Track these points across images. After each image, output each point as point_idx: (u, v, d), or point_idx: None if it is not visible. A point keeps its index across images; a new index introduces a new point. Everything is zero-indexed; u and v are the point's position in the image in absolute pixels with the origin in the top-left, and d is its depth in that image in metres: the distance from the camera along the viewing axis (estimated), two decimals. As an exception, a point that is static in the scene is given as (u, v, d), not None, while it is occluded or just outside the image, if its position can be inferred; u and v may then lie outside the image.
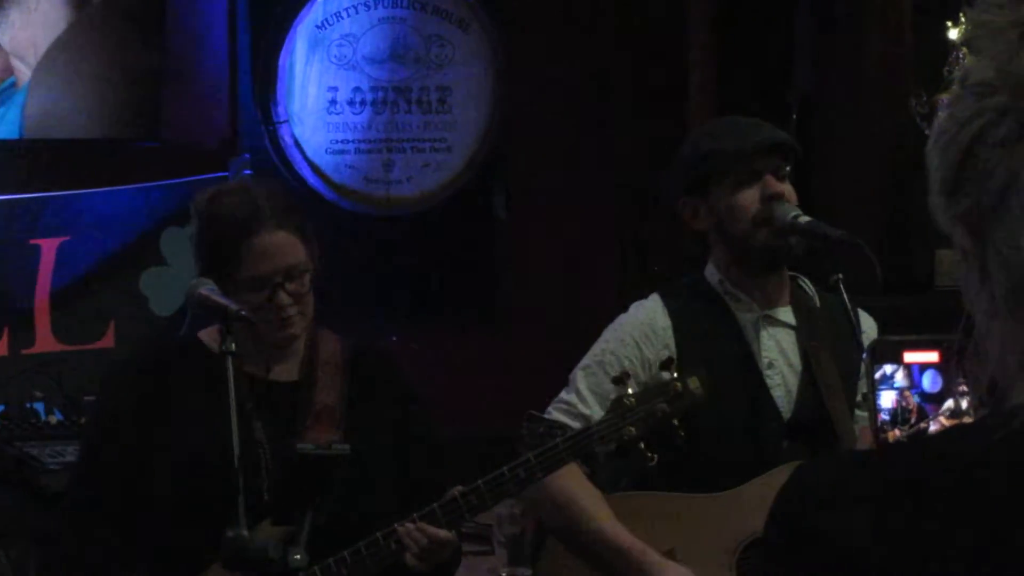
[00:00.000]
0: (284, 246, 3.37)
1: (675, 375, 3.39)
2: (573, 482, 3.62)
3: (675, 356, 3.65)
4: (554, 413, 3.71)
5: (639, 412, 3.36)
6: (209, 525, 3.24)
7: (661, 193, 3.86)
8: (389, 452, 3.46)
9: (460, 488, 3.34)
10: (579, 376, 3.75)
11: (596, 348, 3.76)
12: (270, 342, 3.44)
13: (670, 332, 3.72)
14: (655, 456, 3.39)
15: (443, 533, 3.32)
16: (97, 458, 3.43)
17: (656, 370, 3.63)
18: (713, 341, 3.73)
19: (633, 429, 3.35)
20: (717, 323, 3.75)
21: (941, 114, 1.28)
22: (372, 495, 3.42)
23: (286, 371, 3.49)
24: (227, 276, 3.34)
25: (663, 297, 3.80)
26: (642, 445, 3.35)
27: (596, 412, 3.65)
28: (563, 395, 3.75)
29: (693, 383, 3.38)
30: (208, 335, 3.51)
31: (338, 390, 3.48)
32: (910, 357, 2.41)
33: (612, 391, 3.53)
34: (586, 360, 3.75)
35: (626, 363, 3.69)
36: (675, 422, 3.37)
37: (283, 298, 3.36)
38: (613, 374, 3.59)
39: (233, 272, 3.33)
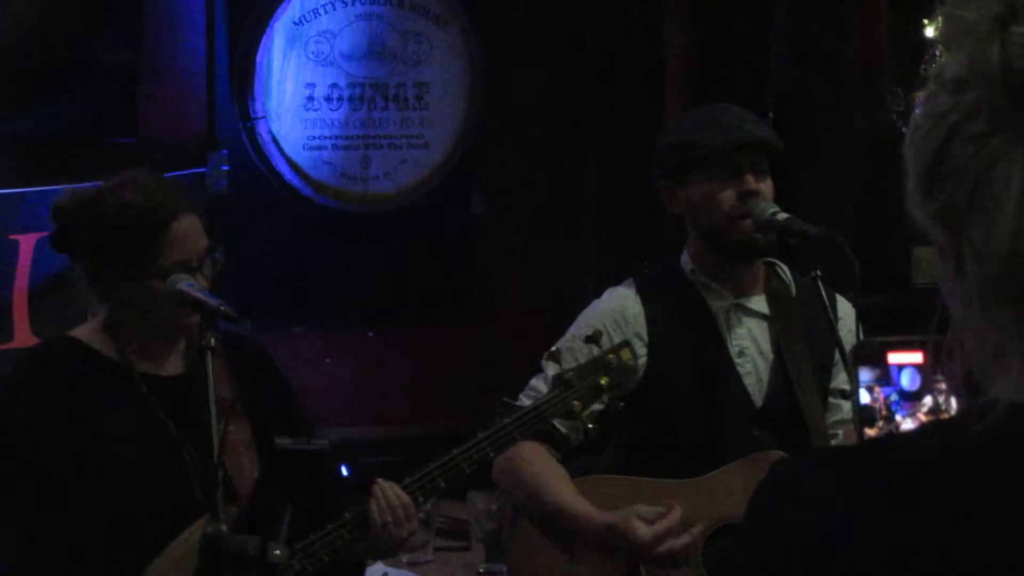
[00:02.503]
0: (197, 230, 3.34)
1: (606, 349, 3.47)
2: (538, 462, 3.66)
3: (647, 342, 3.70)
4: (524, 400, 3.73)
5: (581, 386, 3.43)
6: (141, 529, 3.23)
7: (648, 174, 3.88)
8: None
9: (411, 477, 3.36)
10: (549, 362, 3.77)
11: (568, 334, 3.79)
12: (163, 333, 3.38)
13: (642, 319, 3.75)
14: (597, 426, 3.48)
15: (408, 500, 3.32)
16: (5, 469, 3.29)
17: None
18: (685, 329, 3.76)
19: (577, 403, 3.42)
20: (689, 311, 3.77)
21: (917, 111, 1.29)
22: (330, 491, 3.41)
23: (172, 365, 3.44)
24: (143, 269, 3.28)
25: (636, 284, 3.82)
26: (584, 415, 3.44)
27: None
28: (533, 381, 3.78)
29: (625, 354, 3.48)
30: (85, 333, 3.44)
31: (228, 381, 3.41)
32: (894, 358, 2.42)
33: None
34: (557, 345, 3.77)
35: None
36: (615, 393, 3.46)
37: (202, 282, 3.31)
38: (583, 359, 3.65)
39: (152, 263, 3.27)
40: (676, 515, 3.58)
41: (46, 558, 3.26)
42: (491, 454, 3.40)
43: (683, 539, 3.58)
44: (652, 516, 3.58)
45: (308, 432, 3.45)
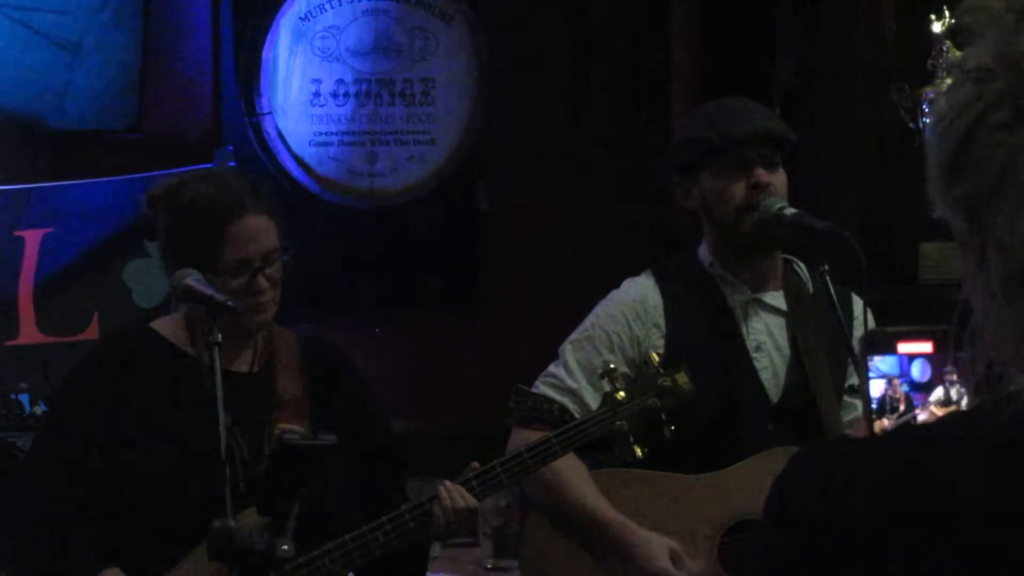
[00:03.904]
0: (262, 230, 3.37)
1: (662, 370, 3.42)
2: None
3: (665, 333, 3.69)
4: (542, 387, 3.73)
5: (630, 407, 3.39)
6: (184, 519, 3.24)
7: (660, 172, 3.87)
8: (351, 449, 3.41)
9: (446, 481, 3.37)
10: (568, 349, 3.77)
11: (586, 322, 3.78)
12: (234, 331, 3.41)
13: (660, 311, 3.74)
14: (645, 449, 3.43)
15: (473, 502, 3.34)
16: (60, 448, 3.36)
17: (645, 348, 3.66)
18: (702, 322, 3.75)
19: (624, 424, 3.39)
20: (707, 304, 3.76)
21: (940, 100, 1.29)
22: (339, 490, 3.42)
23: (244, 362, 3.46)
24: (205, 264, 3.31)
25: (655, 275, 3.81)
26: (631, 439, 3.40)
27: (583, 386, 3.68)
28: (551, 368, 3.77)
29: (681, 378, 3.42)
30: (163, 326, 3.50)
31: (302, 382, 3.46)
32: (904, 348, 2.41)
33: (600, 365, 3.59)
34: (575, 334, 3.77)
35: (615, 339, 3.71)
36: (663, 416, 3.41)
37: (262, 283, 3.35)
38: (602, 348, 3.64)
39: (212, 259, 3.31)
40: (701, 566, 3.58)
41: (85, 542, 3.29)
42: (534, 467, 3.40)
43: None
44: (680, 560, 3.58)
45: (383, 435, 3.56)
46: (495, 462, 3.38)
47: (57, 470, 3.35)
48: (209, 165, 5.73)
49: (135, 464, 3.31)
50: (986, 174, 1.25)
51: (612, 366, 3.52)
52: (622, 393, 3.40)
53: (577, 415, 3.64)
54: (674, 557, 3.58)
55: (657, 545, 3.58)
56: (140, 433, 3.33)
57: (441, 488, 3.34)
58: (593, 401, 3.62)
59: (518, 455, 3.38)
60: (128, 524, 3.32)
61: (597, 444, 3.54)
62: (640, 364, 3.64)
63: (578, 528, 3.67)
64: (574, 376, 3.71)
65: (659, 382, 3.42)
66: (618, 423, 3.40)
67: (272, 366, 3.47)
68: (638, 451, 3.43)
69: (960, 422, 1.34)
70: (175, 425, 3.34)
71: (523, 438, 3.61)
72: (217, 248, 3.31)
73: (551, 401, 3.68)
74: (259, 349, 3.50)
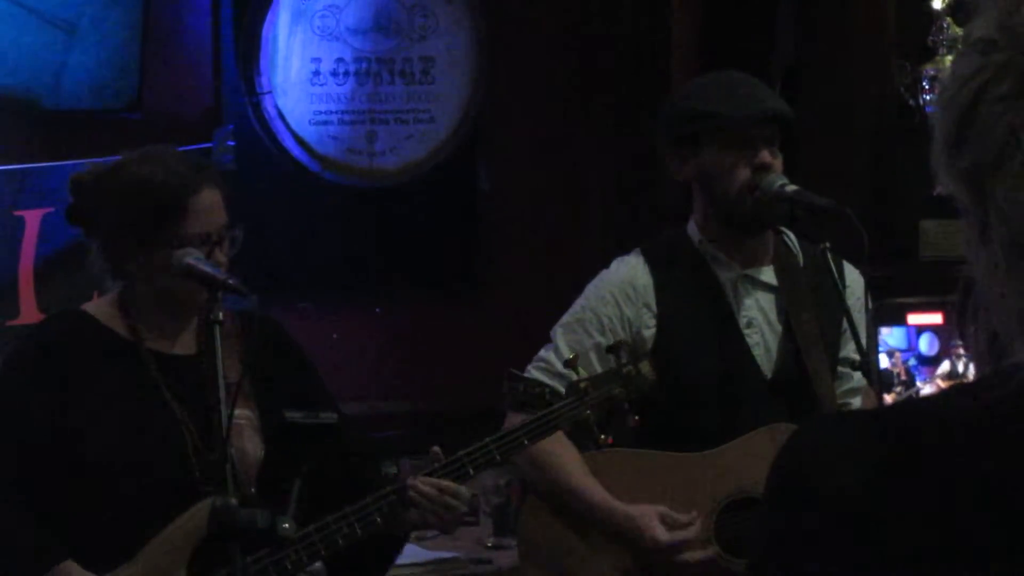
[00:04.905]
0: (216, 204, 3.34)
1: (625, 360, 3.44)
2: (552, 439, 3.65)
3: (656, 313, 3.69)
4: (533, 372, 3.74)
5: (595, 396, 3.41)
6: (136, 506, 3.22)
7: (657, 141, 3.86)
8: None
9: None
10: (559, 333, 3.78)
11: (577, 305, 3.79)
12: (175, 311, 3.38)
13: (651, 290, 3.74)
14: (609, 439, 3.46)
15: (448, 483, 3.31)
16: (7, 435, 3.30)
17: (636, 328, 3.67)
18: (693, 300, 3.75)
19: (589, 412, 3.40)
20: (697, 282, 3.76)
21: (945, 72, 1.29)
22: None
23: (184, 345, 3.42)
24: (161, 238, 3.27)
25: (645, 254, 3.81)
26: (595, 428, 3.42)
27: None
28: (542, 353, 3.78)
29: (644, 367, 3.44)
30: (97, 309, 3.44)
31: (236, 362, 3.37)
32: (914, 319, 2.42)
33: (591, 349, 3.60)
34: (566, 317, 3.78)
35: (605, 321, 3.72)
36: (627, 406, 3.43)
37: (219, 257, 3.32)
38: (592, 331, 3.65)
39: (169, 233, 3.26)
40: (696, 529, 3.58)
41: (40, 533, 3.24)
42: (498, 458, 3.39)
43: (700, 554, 3.58)
44: (673, 521, 3.59)
45: (327, 407, 3.46)
46: (460, 452, 3.38)
47: (5, 458, 3.28)
48: (209, 145, 5.72)
49: (84, 452, 3.25)
50: (989, 145, 1.25)
51: (575, 356, 3.53)
52: (586, 383, 3.43)
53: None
54: (666, 520, 3.59)
55: (641, 518, 3.59)
56: (86, 419, 3.27)
57: (409, 492, 3.30)
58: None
59: (483, 445, 3.39)
60: (81, 513, 3.26)
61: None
62: (634, 327, 3.67)
63: (568, 509, 3.69)
64: (564, 360, 3.71)
65: (624, 371, 3.45)
66: (584, 412, 3.42)
67: (210, 348, 3.40)
68: (602, 439, 3.46)
69: (963, 393, 1.34)
70: (121, 411, 3.30)
71: (518, 423, 3.62)
72: (176, 223, 3.27)
73: (542, 385, 3.68)
74: (195, 330, 3.44)
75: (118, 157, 3.42)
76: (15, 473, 3.26)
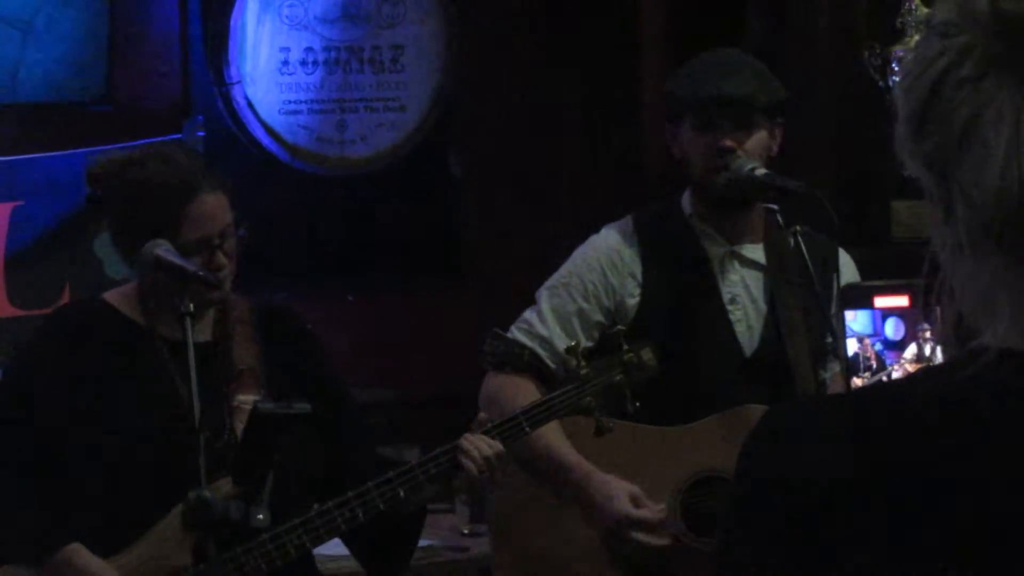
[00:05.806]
0: (219, 207, 3.39)
1: (627, 347, 3.46)
2: (524, 399, 3.66)
3: (640, 283, 3.71)
4: (515, 332, 3.77)
5: (596, 384, 3.43)
6: (148, 490, 3.24)
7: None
8: (314, 416, 3.41)
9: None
10: (543, 296, 3.79)
11: (563, 269, 3.81)
12: (192, 302, 3.40)
13: (637, 259, 3.75)
14: (611, 424, 3.47)
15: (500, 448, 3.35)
16: (20, 419, 3.35)
17: (620, 297, 3.69)
18: (678, 272, 3.76)
19: (591, 399, 3.43)
20: (685, 254, 3.78)
21: (907, 56, 1.29)
22: (303, 457, 3.41)
23: (200, 333, 3.45)
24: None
25: (635, 222, 3.82)
26: (596, 413, 3.44)
27: (555, 332, 3.72)
28: (526, 314, 3.80)
29: (646, 354, 3.46)
30: (115, 297, 3.50)
31: (255, 350, 3.47)
32: (881, 302, 2.41)
33: (575, 314, 3.64)
34: (552, 280, 3.80)
35: (590, 287, 3.74)
36: (628, 392, 3.45)
37: (220, 259, 3.37)
38: (576, 296, 3.67)
39: (170, 240, 3.30)
40: (659, 515, 3.60)
41: (48, 515, 3.28)
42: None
43: (656, 540, 3.60)
44: (643, 505, 3.60)
45: (343, 400, 3.56)
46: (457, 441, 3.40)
47: (16, 441, 3.33)
48: (178, 136, 5.70)
49: (97, 436, 3.30)
50: (951, 128, 1.25)
51: (576, 343, 3.55)
52: (587, 370, 3.44)
53: (547, 360, 3.68)
54: (635, 500, 3.61)
55: (616, 487, 3.61)
56: (100, 405, 3.32)
57: (463, 442, 3.34)
58: (563, 348, 3.64)
59: (485, 433, 3.41)
60: (93, 497, 3.31)
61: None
62: (615, 313, 3.68)
63: (544, 473, 3.70)
64: (546, 323, 3.74)
65: (625, 358, 3.46)
66: (585, 399, 3.44)
67: (228, 336, 3.47)
68: (605, 424, 3.48)
69: (932, 375, 1.35)
70: (133, 397, 3.33)
71: (497, 383, 3.67)
72: (175, 228, 3.31)
73: (522, 347, 3.72)
74: (214, 319, 3.50)
75: (112, 148, 3.49)
76: (28, 456, 3.32)
